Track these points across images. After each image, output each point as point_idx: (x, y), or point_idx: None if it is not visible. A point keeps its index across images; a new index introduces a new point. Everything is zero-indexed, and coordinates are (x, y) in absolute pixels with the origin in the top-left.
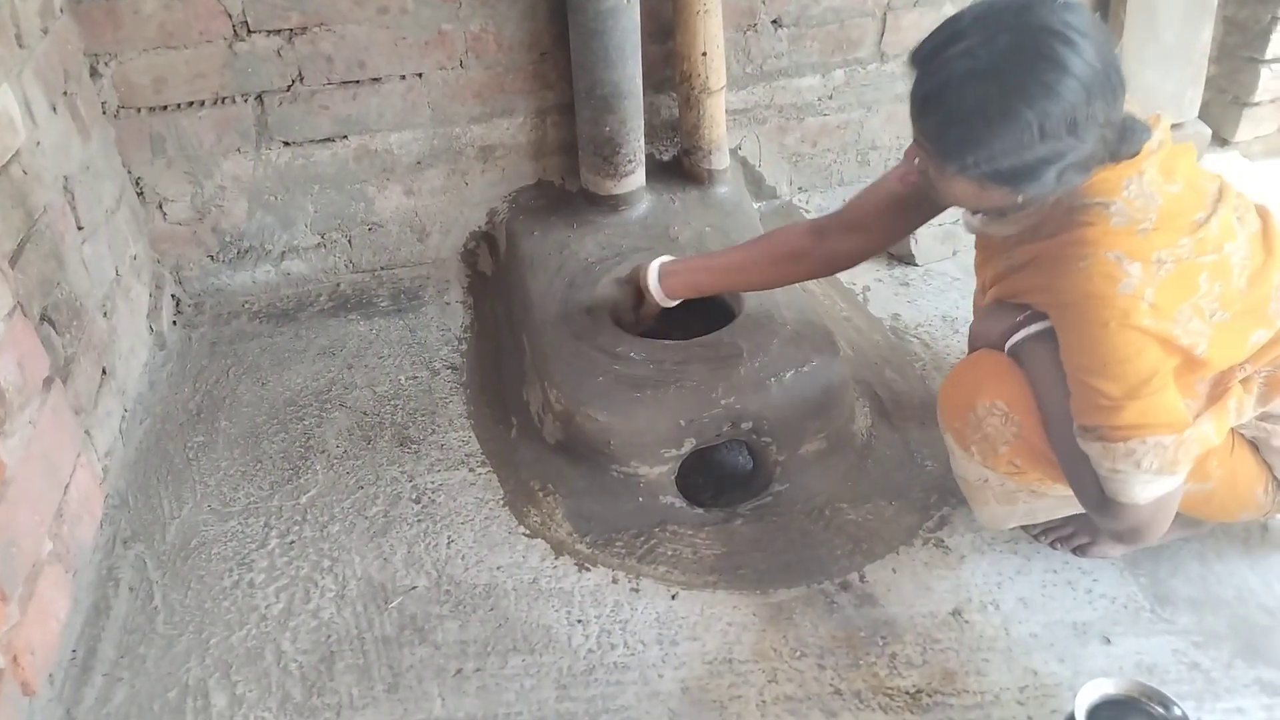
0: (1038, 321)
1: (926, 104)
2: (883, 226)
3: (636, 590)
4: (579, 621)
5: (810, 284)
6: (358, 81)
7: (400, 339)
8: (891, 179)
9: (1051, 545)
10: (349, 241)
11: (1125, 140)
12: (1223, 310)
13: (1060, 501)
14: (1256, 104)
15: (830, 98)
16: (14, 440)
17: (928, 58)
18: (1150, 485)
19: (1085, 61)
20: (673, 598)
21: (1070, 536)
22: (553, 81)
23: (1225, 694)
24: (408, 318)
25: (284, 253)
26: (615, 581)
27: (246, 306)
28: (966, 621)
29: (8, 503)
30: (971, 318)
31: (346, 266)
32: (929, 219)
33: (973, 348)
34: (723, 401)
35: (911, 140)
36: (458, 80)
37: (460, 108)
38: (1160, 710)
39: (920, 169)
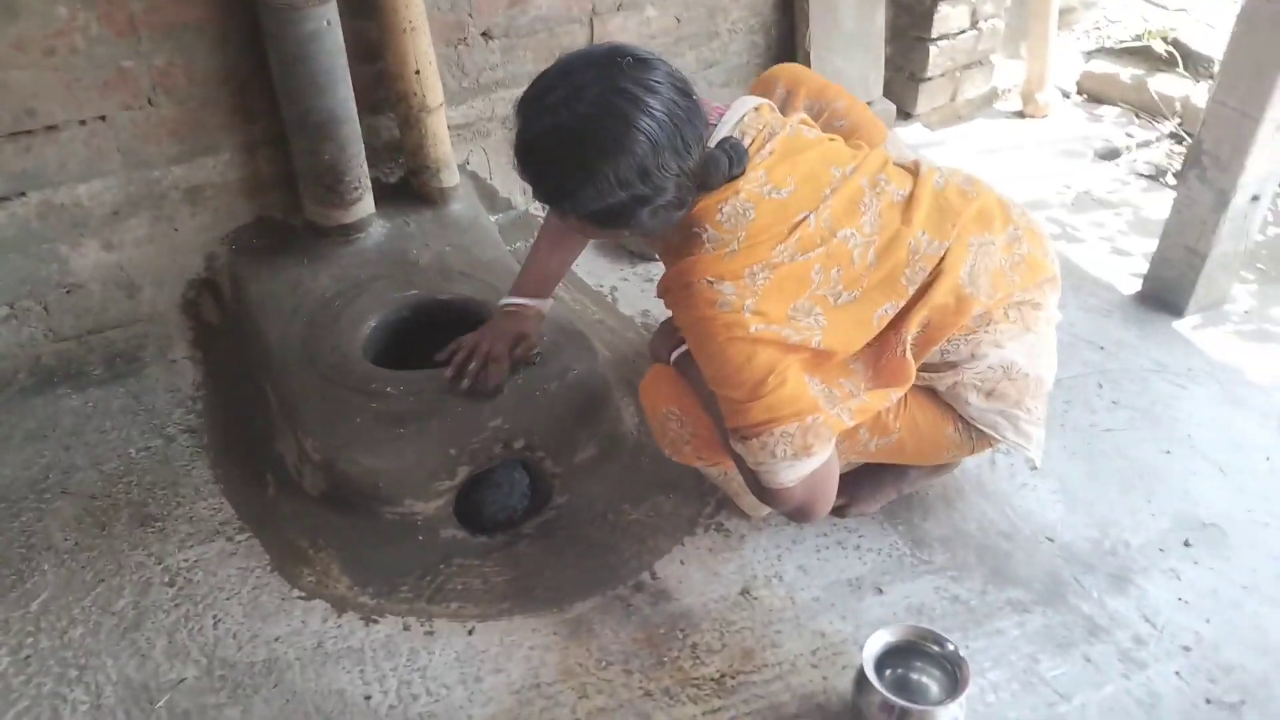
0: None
1: (522, 156)
2: None
3: (431, 633)
4: (375, 678)
5: (559, 290)
6: (29, 131)
7: (123, 408)
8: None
9: None
10: (44, 308)
11: (711, 174)
12: (848, 291)
13: None
14: (929, 78)
15: None
16: None
17: (524, 108)
18: (792, 469)
19: (653, 118)
20: (470, 633)
21: None
22: (257, 113)
23: (984, 619)
24: (128, 383)
25: None
26: (407, 628)
27: None
28: (755, 598)
29: None
30: None
31: (46, 336)
32: None
33: (652, 361)
34: (491, 423)
35: None
36: (148, 120)
37: (155, 148)
38: (935, 648)
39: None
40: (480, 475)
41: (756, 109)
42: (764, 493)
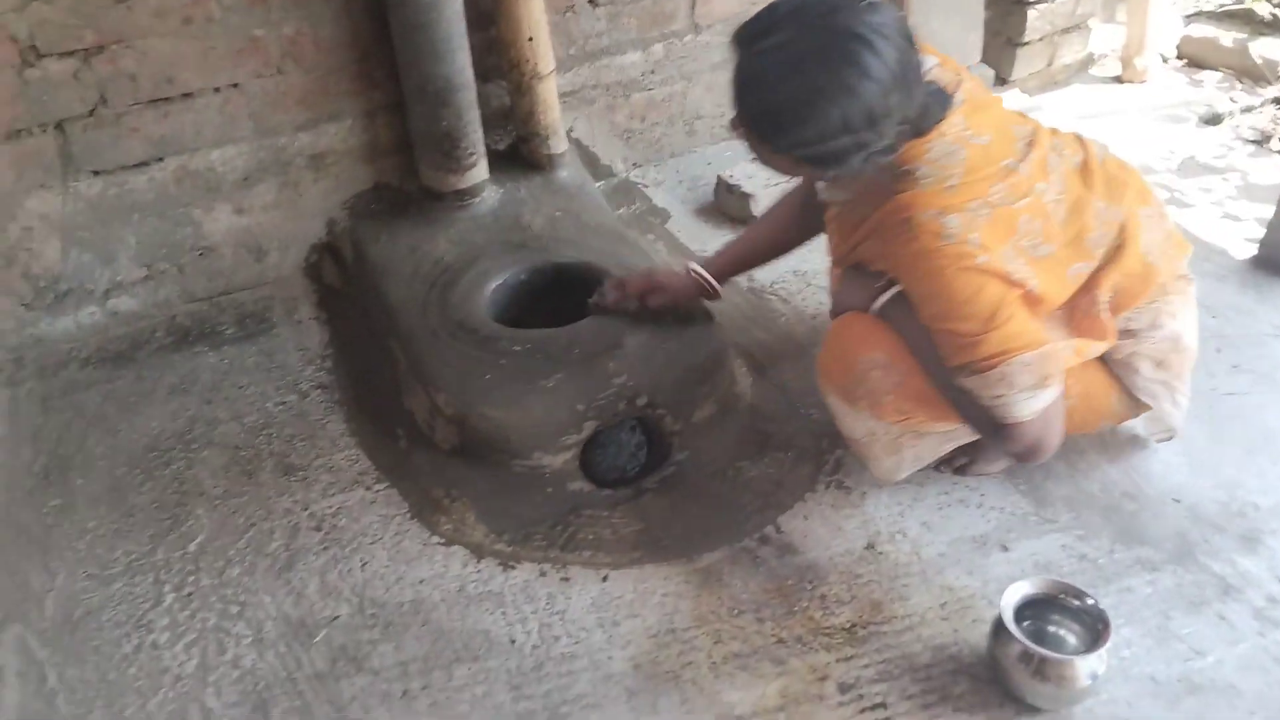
0: (894, 285)
1: (743, 90)
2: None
3: (566, 579)
4: (517, 620)
5: (666, 257)
6: (168, 99)
7: (257, 365)
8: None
9: (936, 469)
10: (180, 270)
11: (925, 119)
12: (1046, 244)
13: (941, 439)
14: (1026, 43)
15: (653, 72)
16: None
17: (746, 43)
18: (1031, 400)
19: (884, 64)
20: (604, 580)
21: (951, 459)
22: (379, 80)
23: (1114, 577)
24: (260, 342)
25: (108, 291)
26: (543, 574)
27: (74, 354)
28: (880, 553)
29: None
30: (821, 271)
31: (180, 297)
32: None
33: (836, 314)
34: (616, 380)
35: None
36: (277, 87)
37: (283, 116)
38: (1075, 602)
39: (742, 137)
40: (590, 436)
41: (939, 63)
42: (998, 429)
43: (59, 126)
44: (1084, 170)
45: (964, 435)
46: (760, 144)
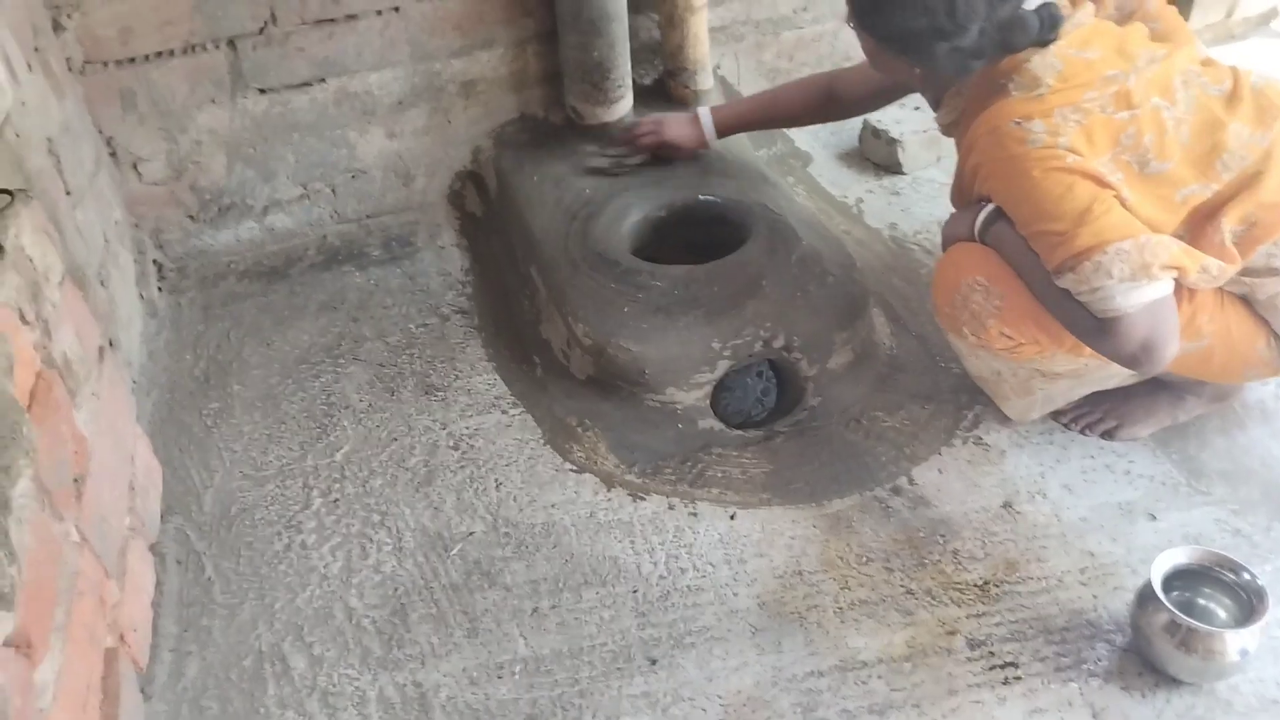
0: (989, 203)
1: None
2: (877, 85)
3: (694, 514)
4: (645, 550)
5: (807, 201)
6: (333, 20)
7: (401, 287)
8: None
9: (1082, 432)
10: (333, 191)
11: (1018, 34)
12: (1160, 160)
13: (1073, 382)
14: None
15: (805, 10)
16: (84, 413)
17: None
18: (1132, 291)
19: None
20: (731, 518)
21: (1098, 422)
22: (532, 8)
23: (1270, 555)
24: (404, 265)
25: (266, 207)
26: (672, 508)
27: (233, 267)
28: (1018, 513)
29: (93, 478)
30: None
31: (332, 217)
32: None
33: (944, 244)
34: (753, 320)
35: None
36: (435, 12)
37: (440, 41)
38: (1231, 575)
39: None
40: (718, 379)
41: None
42: (1102, 330)
43: (231, 43)
44: (1231, 96)
45: (1095, 379)
46: (860, 30)
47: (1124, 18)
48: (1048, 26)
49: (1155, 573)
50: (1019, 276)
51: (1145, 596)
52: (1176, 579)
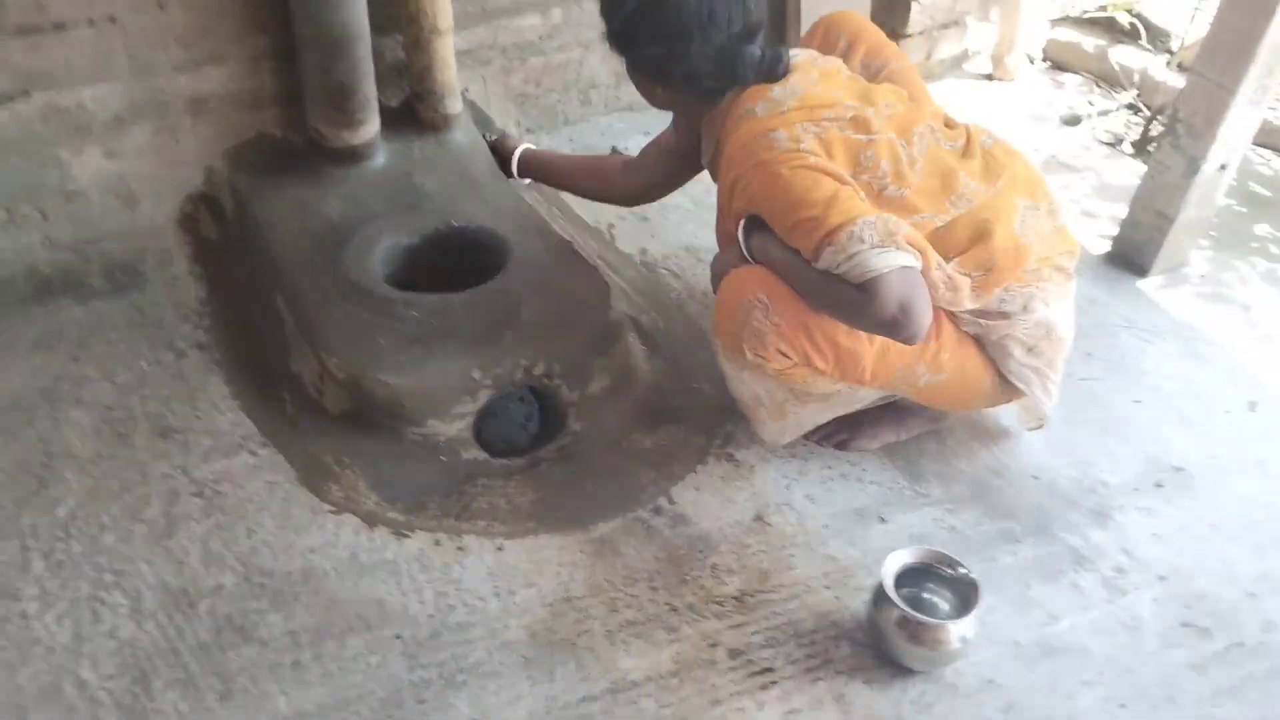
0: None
1: (607, 12)
2: (664, 171)
3: (461, 549)
4: (412, 589)
5: (561, 227)
6: (38, 28)
7: (129, 321)
8: (667, 133)
9: (819, 443)
10: (43, 215)
11: (736, 63)
12: (895, 185)
13: (821, 406)
14: (909, 35)
15: (550, 37)
16: None
17: None
18: (883, 255)
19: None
20: (499, 549)
21: (833, 434)
22: (266, 24)
23: (980, 548)
24: (131, 296)
25: None
26: (438, 543)
27: None
28: (768, 524)
29: None
30: (712, 248)
31: (43, 244)
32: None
33: (717, 281)
34: (513, 348)
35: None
36: (156, 24)
37: (163, 55)
38: (948, 570)
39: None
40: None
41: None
42: (862, 297)
43: None
44: (963, 153)
45: (841, 402)
46: (618, 54)
47: (870, 76)
48: (770, 61)
49: (886, 573)
50: (785, 279)
51: (879, 596)
52: (905, 577)
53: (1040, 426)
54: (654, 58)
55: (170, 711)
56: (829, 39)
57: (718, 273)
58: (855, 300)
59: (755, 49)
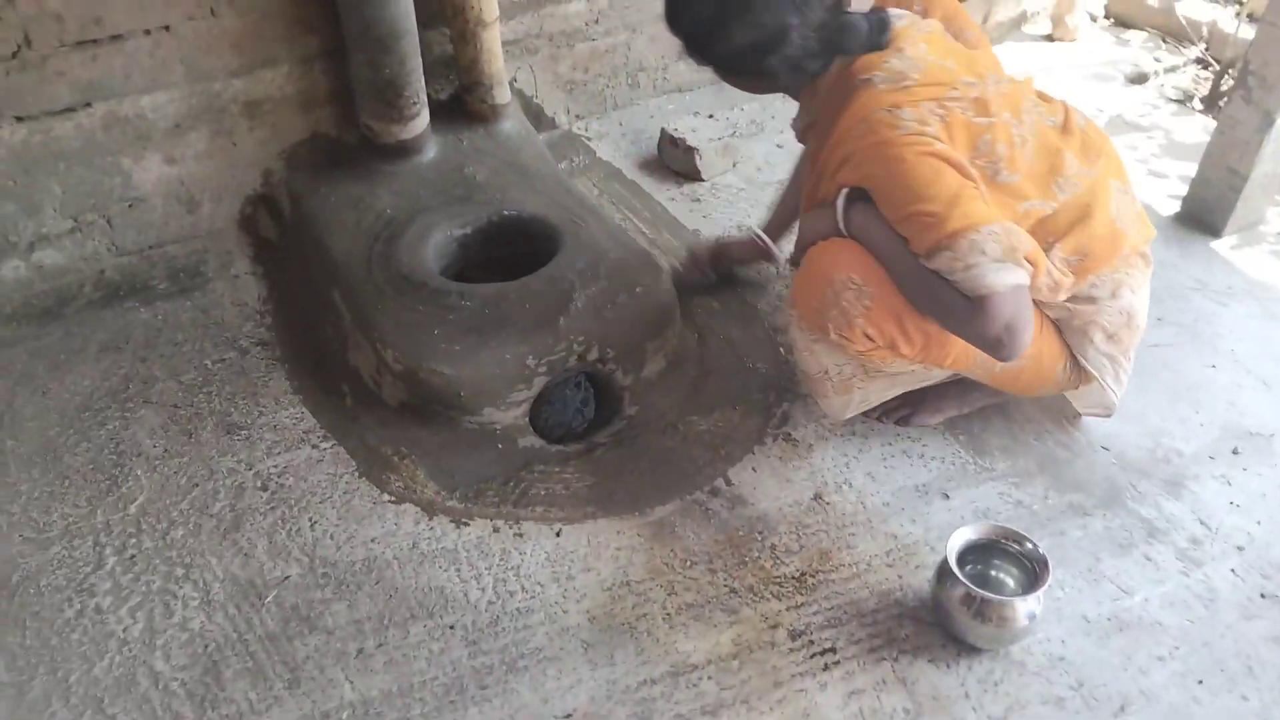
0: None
1: (672, 20)
2: None
3: (520, 535)
4: (471, 576)
5: (611, 211)
6: (96, 41)
7: (193, 321)
8: None
9: (879, 419)
10: (108, 222)
11: (842, 35)
12: (1009, 171)
13: (888, 382)
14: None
15: (596, 22)
16: None
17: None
18: (1002, 271)
19: None
20: (557, 535)
21: (894, 409)
22: (316, 25)
23: (1047, 522)
24: (194, 297)
25: (32, 243)
26: (496, 530)
27: None
28: (828, 503)
29: None
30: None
31: (110, 250)
32: None
33: (802, 245)
34: (567, 334)
35: None
36: (210, 31)
37: (217, 61)
38: (1015, 546)
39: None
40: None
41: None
42: (971, 310)
43: None
44: (1063, 129)
45: (909, 379)
46: (700, 64)
47: None
48: (877, 30)
49: (950, 550)
50: (883, 264)
51: (942, 573)
52: (970, 554)
53: (1108, 415)
54: (750, 55)
55: (240, 700)
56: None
57: (805, 240)
58: (961, 310)
59: (860, 19)
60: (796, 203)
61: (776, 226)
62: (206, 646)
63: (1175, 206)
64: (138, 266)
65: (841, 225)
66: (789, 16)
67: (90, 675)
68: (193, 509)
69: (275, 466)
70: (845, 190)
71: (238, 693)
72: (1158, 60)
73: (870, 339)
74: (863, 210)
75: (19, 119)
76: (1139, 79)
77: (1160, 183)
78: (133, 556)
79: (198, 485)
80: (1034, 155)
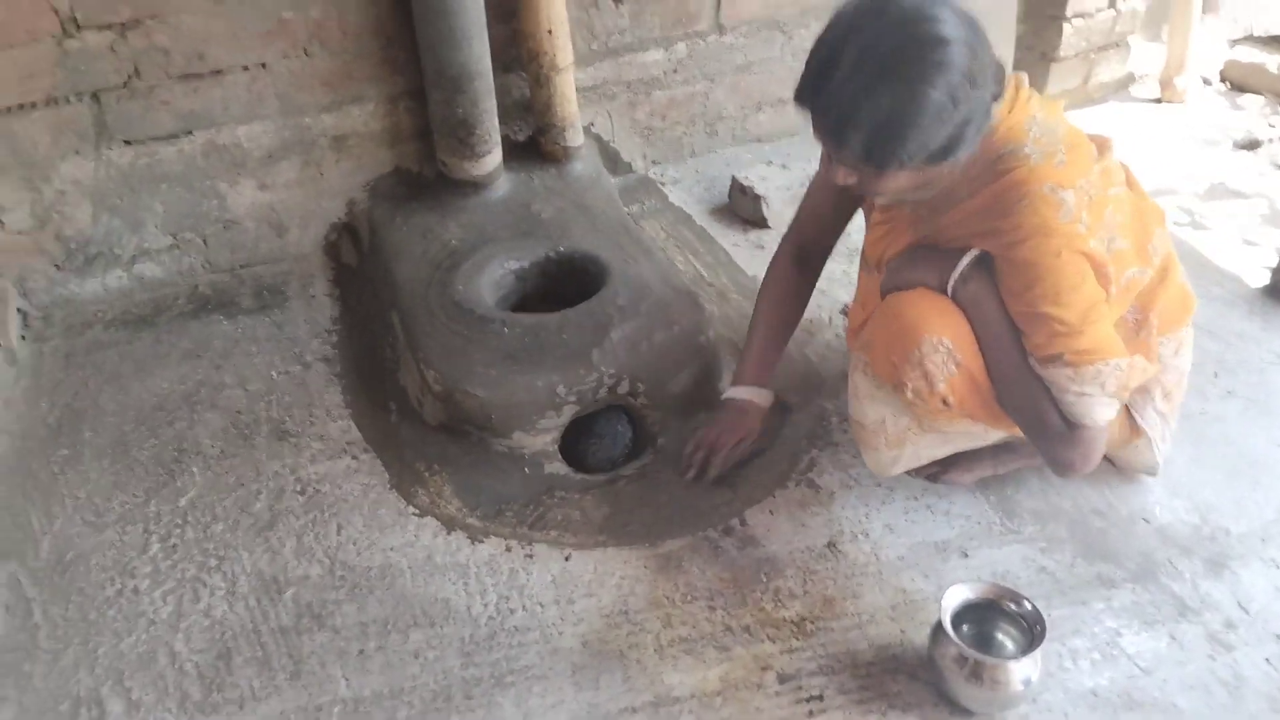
0: (969, 254)
1: (842, 132)
2: (836, 220)
3: (530, 556)
4: (477, 591)
5: (673, 254)
6: (199, 74)
7: (268, 335)
8: (824, 179)
9: (909, 474)
10: (204, 241)
11: (1000, 84)
12: (1122, 239)
13: (941, 440)
14: (1062, 59)
15: (675, 71)
16: None
17: (815, 92)
18: (1108, 407)
19: (955, 25)
20: (566, 559)
21: (925, 465)
22: (402, 66)
23: (1070, 590)
24: (273, 314)
25: (135, 256)
26: (509, 550)
27: (99, 315)
28: (840, 552)
29: None
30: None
31: (204, 267)
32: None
33: (890, 290)
34: (599, 366)
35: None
36: (304, 69)
37: (309, 97)
38: (1013, 606)
39: (850, 182)
40: (584, 425)
41: None
42: (1064, 432)
43: (94, 96)
44: (1129, 185)
45: (964, 441)
46: (882, 174)
47: None
48: (999, 81)
49: (945, 607)
50: (983, 342)
51: (937, 631)
52: (972, 613)
53: (1154, 473)
54: (938, 147)
55: (244, 686)
56: None
57: (898, 283)
58: (1053, 425)
59: (996, 63)
60: (774, 337)
61: (763, 370)
62: (224, 633)
63: (1265, 278)
64: (227, 283)
65: (951, 283)
66: (982, 66)
67: (117, 649)
68: (235, 506)
69: (316, 473)
70: (975, 253)
71: (243, 679)
72: (1272, 126)
73: (947, 406)
74: (981, 281)
75: (127, 142)
76: (1250, 145)
77: (1253, 252)
78: (175, 545)
79: (244, 485)
80: (1129, 218)
